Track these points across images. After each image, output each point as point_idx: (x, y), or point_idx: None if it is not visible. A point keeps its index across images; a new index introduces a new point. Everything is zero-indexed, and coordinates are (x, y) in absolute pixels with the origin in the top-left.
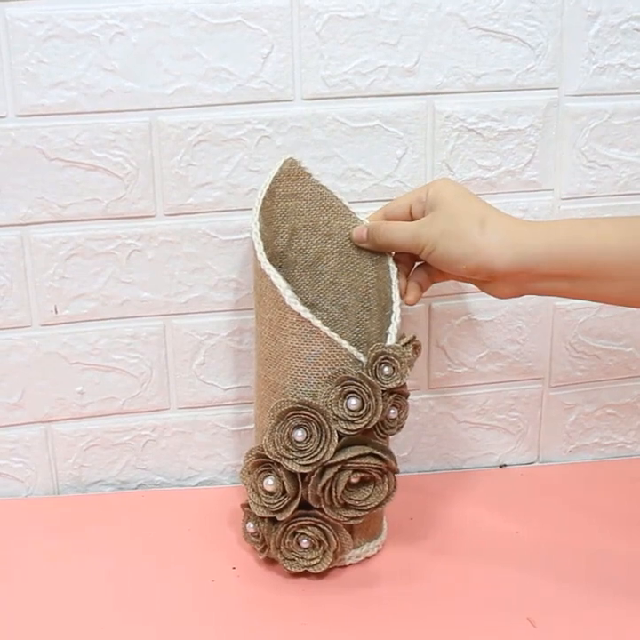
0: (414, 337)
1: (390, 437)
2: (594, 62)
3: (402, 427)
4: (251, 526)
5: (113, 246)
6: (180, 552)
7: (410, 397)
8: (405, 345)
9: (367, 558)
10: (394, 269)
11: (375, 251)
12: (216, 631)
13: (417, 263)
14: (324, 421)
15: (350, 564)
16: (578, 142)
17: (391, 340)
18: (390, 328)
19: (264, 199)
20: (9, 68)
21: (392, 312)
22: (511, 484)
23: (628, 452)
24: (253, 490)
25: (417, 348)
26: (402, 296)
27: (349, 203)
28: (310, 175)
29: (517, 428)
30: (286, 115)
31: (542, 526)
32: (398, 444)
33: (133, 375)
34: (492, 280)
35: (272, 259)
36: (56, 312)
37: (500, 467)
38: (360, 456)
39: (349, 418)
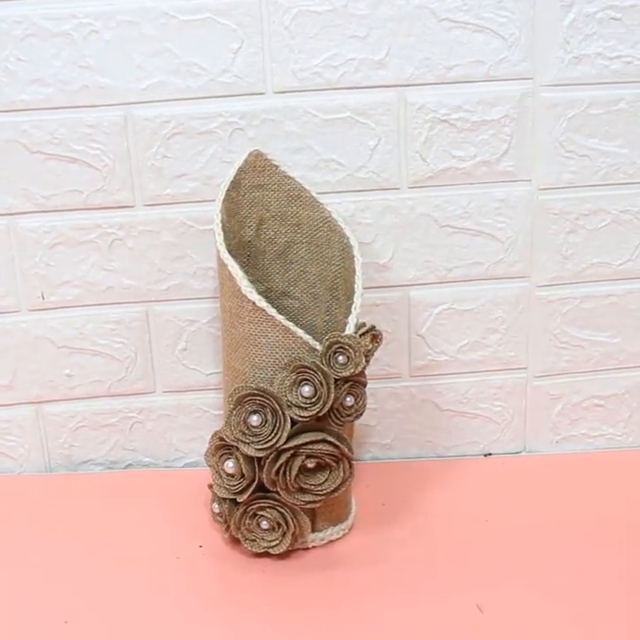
0: (373, 327)
1: (374, 425)
2: (569, 52)
3: (360, 414)
4: (216, 507)
5: (95, 235)
6: (152, 529)
7: (391, 384)
8: (363, 334)
9: (331, 542)
10: (359, 260)
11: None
12: (171, 605)
13: None
14: (277, 407)
15: (313, 547)
16: (555, 132)
17: (350, 329)
18: (349, 317)
19: (228, 191)
20: None
21: (353, 302)
22: (494, 473)
23: (617, 443)
24: (216, 471)
25: (376, 338)
26: None
27: (322, 193)
28: (277, 167)
29: (502, 417)
30: (258, 108)
31: (515, 515)
32: (380, 431)
33: (118, 359)
34: None
35: (240, 248)
36: (43, 298)
37: (485, 455)
38: (313, 442)
39: (302, 405)
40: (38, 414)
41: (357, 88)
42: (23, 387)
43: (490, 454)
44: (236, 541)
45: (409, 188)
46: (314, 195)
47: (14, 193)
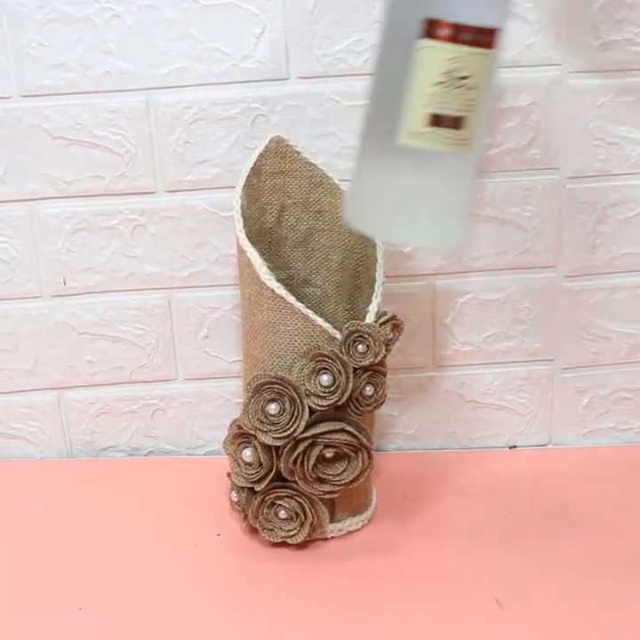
0: (394, 316)
1: (398, 415)
2: (598, 38)
3: (380, 404)
4: (234, 495)
5: (117, 221)
6: (171, 517)
7: (415, 374)
8: (383, 323)
9: (350, 532)
10: (381, 248)
11: None
12: (185, 593)
13: None
14: (296, 396)
15: (332, 537)
16: (583, 120)
17: (370, 317)
18: (370, 306)
19: (249, 177)
20: (12, 51)
21: (374, 291)
22: (518, 466)
23: None
24: (234, 460)
25: (397, 327)
26: None
27: (346, 180)
28: (299, 153)
29: (528, 409)
30: (281, 93)
31: (539, 509)
32: (404, 421)
33: (140, 346)
34: None
35: (260, 235)
36: (64, 284)
37: (510, 448)
38: (331, 431)
39: (321, 394)
40: (60, 400)
41: None
42: (45, 372)
43: (515, 447)
44: (254, 531)
45: None
46: (336, 182)
47: (36, 178)
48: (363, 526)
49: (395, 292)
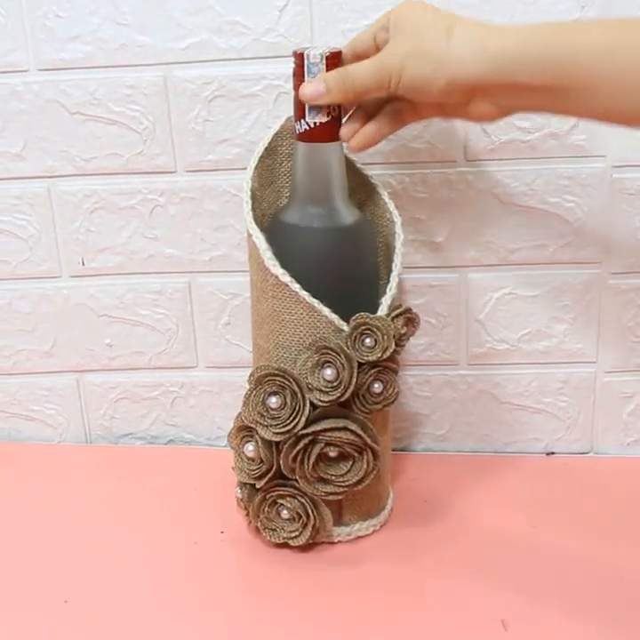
0: (409, 309)
1: (428, 414)
2: None
3: (390, 402)
4: (238, 492)
5: (135, 201)
6: (179, 511)
7: (446, 372)
8: (395, 317)
9: (359, 537)
10: (400, 237)
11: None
12: (176, 592)
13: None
14: (297, 390)
15: (339, 542)
16: None
17: (382, 310)
18: (383, 298)
19: (262, 157)
20: (29, 23)
21: (389, 282)
22: (555, 474)
23: None
24: (237, 454)
25: (412, 322)
26: (346, 140)
27: (372, 164)
28: None
29: (568, 414)
30: None
31: (570, 524)
32: (434, 420)
33: (160, 331)
34: (469, 98)
35: (275, 219)
36: (83, 264)
37: (547, 454)
38: (333, 429)
39: (324, 388)
40: (79, 383)
41: None
42: (63, 354)
43: (552, 453)
44: (258, 530)
45: (468, 161)
46: (359, 166)
47: (54, 155)
48: (374, 531)
49: (424, 283)
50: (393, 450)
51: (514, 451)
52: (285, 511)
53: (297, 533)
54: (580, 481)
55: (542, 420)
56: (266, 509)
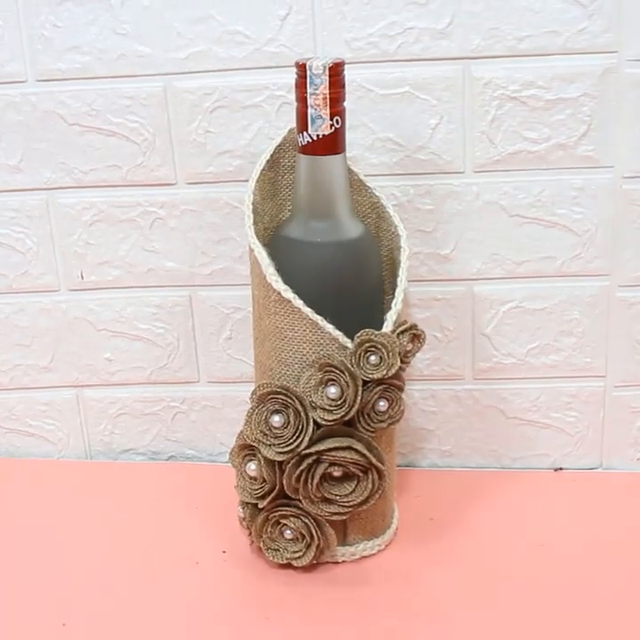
0: (414, 325)
1: (433, 430)
2: None
3: (396, 421)
4: (240, 511)
5: (135, 214)
6: (181, 528)
7: (452, 387)
8: (400, 333)
9: (364, 557)
10: (405, 251)
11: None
12: (176, 613)
13: None
14: (301, 408)
15: (343, 562)
16: None
17: (387, 326)
18: (389, 314)
19: (264, 170)
20: (27, 33)
21: (394, 297)
22: (563, 491)
23: None
24: (239, 473)
25: (417, 338)
26: None
27: (378, 176)
28: None
29: (576, 429)
30: None
31: (580, 542)
32: (440, 436)
33: (160, 345)
34: None
35: (277, 233)
36: (82, 277)
37: (555, 470)
38: (338, 448)
39: (327, 407)
40: (78, 398)
41: (417, 60)
42: (62, 369)
43: (560, 469)
44: (261, 549)
45: (474, 172)
46: (362, 177)
47: (53, 166)
48: (379, 551)
49: (429, 296)
50: (397, 465)
51: (521, 466)
52: (289, 531)
53: (300, 554)
54: (589, 497)
55: (550, 436)
56: (269, 529)
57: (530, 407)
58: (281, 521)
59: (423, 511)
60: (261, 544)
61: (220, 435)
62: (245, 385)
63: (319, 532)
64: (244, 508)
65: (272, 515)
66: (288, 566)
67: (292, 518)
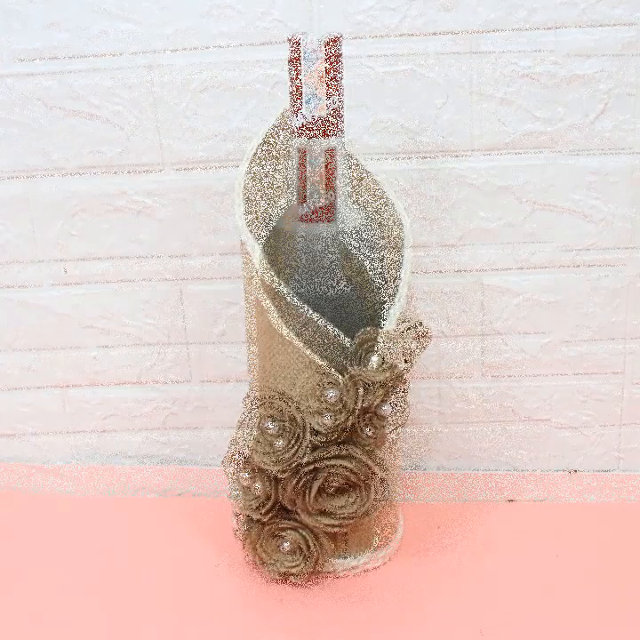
0: (419, 323)
1: (441, 430)
2: None
3: (400, 426)
4: (234, 522)
5: (121, 203)
6: (170, 540)
7: (461, 385)
8: (404, 331)
9: (366, 570)
10: (409, 241)
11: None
12: (170, 628)
13: None
14: (296, 414)
15: (345, 576)
16: None
17: (390, 323)
18: (392, 310)
19: (257, 155)
20: (1, 8)
21: (397, 291)
22: (578, 494)
23: None
24: (232, 482)
25: (423, 337)
26: None
27: (379, 159)
28: None
29: (592, 429)
30: None
31: (593, 550)
32: (448, 436)
33: (149, 343)
34: None
35: (271, 223)
36: (65, 272)
37: (571, 472)
38: (337, 457)
39: (326, 412)
40: (63, 400)
41: (421, 35)
42: (46, 369)
43: (576, 471)
44: (256, 563)
45: (483, 155)
46: (362, 162)
47: (32, 153)
48: (383, 564)
49: (436, 289)
50: (403, 468)
51: (534, 468)
52: (286, 544)
53: (297, 567)
54: (605, 500)
55: (565, 436)
56: (264, 542)
57: (543, 405)
58: (277, 533)
59: (429, 519)
60: (256, 558)
61: (213, 437)
62: (240, 384)
63: (316, 545)
64: (237, 520)
65: (267, 526)
66: (284, 580)
67: (288, 531)
